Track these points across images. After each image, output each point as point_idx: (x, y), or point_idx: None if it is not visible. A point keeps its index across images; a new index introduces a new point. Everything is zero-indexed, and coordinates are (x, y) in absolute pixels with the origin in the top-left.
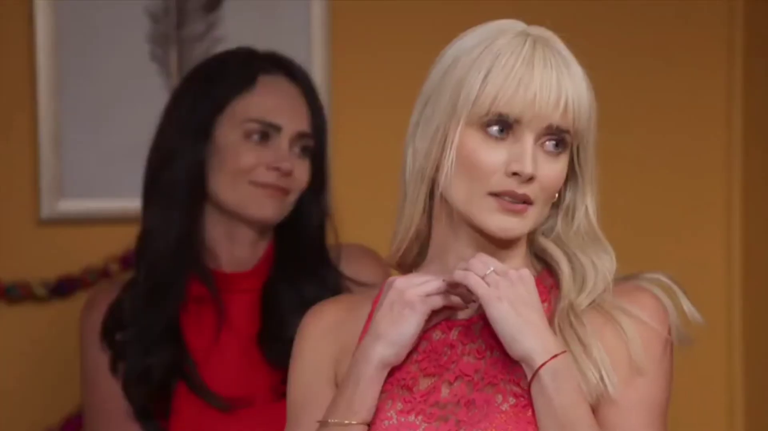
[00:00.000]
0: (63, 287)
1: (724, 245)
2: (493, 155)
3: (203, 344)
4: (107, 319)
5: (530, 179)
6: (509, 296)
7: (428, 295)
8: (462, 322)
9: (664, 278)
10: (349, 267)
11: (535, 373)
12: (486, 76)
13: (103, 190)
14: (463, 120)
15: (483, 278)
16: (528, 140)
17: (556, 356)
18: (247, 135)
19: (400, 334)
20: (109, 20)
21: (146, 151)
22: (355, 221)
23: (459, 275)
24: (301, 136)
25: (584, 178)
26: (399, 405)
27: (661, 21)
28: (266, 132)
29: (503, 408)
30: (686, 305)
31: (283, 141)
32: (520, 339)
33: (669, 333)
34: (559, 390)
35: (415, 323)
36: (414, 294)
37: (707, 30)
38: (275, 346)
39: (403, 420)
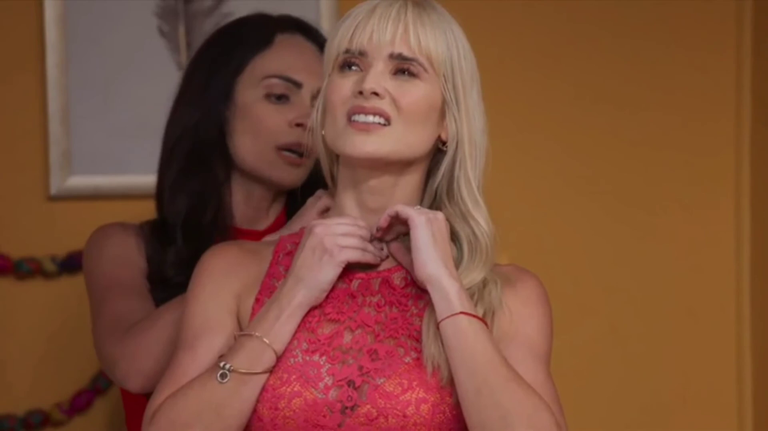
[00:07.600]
0: (72, 263)
1: (734, 223)
2: (340, 85)
3: None
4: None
5: (374, 93)
6: (433, 227)
7: (346, 247)
8: (362, 275)
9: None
10: None
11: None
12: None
13: (112, 166)
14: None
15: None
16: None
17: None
18: (268, 93)
19: (320, 280)
20: None
21: (155, 127)
22: None
23: (390, 210)
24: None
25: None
26: (304, 345)
27: (670, 0)
28: (286, 90)
29: (406, 360)
30: None
31: (305, 97)
32: (434, 265)
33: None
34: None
35: (333, 271)
36: (333, 243)
37: (716, 9)
38: None
39: (308, 359)
